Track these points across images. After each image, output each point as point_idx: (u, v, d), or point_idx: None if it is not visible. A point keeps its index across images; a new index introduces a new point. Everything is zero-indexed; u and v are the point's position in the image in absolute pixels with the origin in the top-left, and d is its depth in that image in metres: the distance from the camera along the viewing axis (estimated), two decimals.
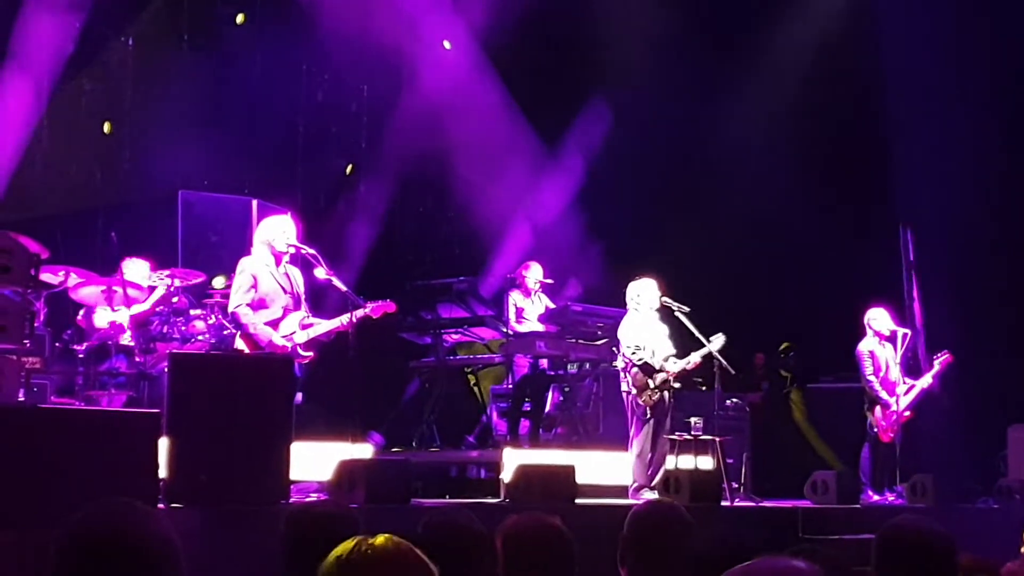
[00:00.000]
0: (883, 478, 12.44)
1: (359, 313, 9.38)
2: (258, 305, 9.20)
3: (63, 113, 12.75)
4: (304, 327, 9.32)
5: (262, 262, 9.29)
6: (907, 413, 12.50)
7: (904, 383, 12.54)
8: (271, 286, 9.25)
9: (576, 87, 15.98)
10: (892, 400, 12.41)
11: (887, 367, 12.51)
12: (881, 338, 12.56)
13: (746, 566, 1.92)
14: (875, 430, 12.51)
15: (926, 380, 12.60)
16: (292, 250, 9.37)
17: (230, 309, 9.31)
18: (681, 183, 16.01)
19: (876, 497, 12.26)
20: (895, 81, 15.91)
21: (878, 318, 12.60)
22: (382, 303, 9.64)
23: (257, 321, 9.12)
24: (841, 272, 15.13)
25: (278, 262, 9.32)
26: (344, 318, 9.37)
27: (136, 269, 10.43)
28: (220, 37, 13.81)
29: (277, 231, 9.33)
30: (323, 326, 9.42)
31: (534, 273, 12.55)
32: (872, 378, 12.46)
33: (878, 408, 12.47)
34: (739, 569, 1.91)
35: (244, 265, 9.31)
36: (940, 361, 12.69)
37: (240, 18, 14.19)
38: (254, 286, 9.18)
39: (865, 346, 12.53)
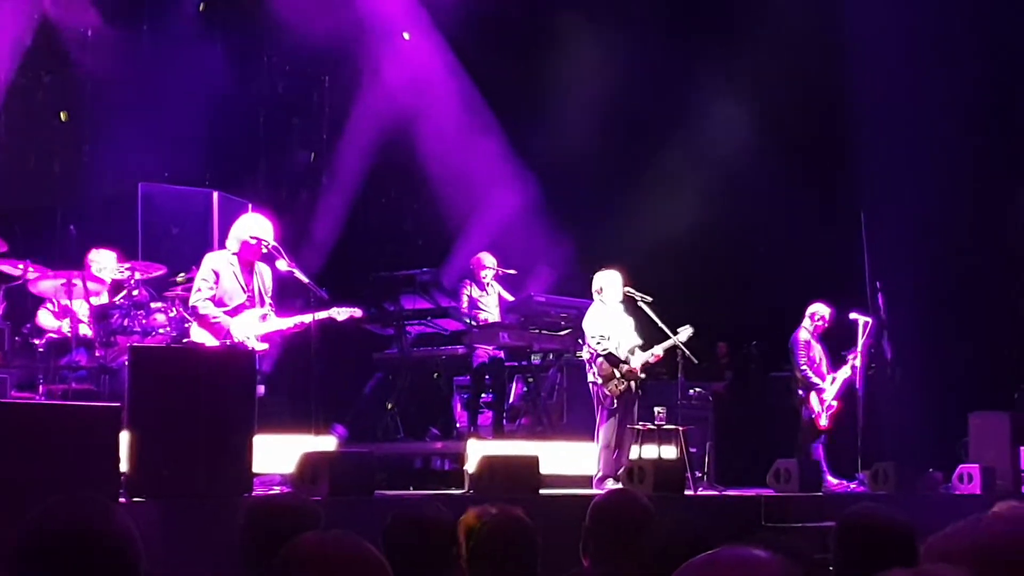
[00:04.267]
0: (836, 460, 12.64)
1: (322, 315, 9.38)
2: (217, 302, 9.20)
3: (21, 106, 12.64)
4: (263, 319, 9.32)
5: (226, 260, 9.29)
6: (835, 402, 12.83)
7: (829, 376, 12.91)
8: (231, 284, 9.25)
9: (541, 76, 15.97)
10: (825, 385, 12.80)
11: (819, 360, 12.88)
12: (818, 331, 12.91)
13: (706, 556, 1.91)
14: (813, 415, 12.82)
15: (845, 372, 12.95)
16: (265, 251, 9.37)
17: (191, 303, 9.29)
18: (646, 173, 16.04)
19: (835, 481, 12.42)
20: (860, 73, 15.96)
21: (818, 312, 12.93)
22: (350, 310, 9.63)
23: (218, 312, 9.13)
24: (805, 261, 15.19)
25: (242, 260, 9.31)
26: (307, 318, 9.37)
27: (104, 259, 10.34)
28: (180, 28, 13.71)
29: (259, 232, 9.32)
30: (283, 322, 9.43)
31: (486, 262, 12.54)
32: (805, 367, 12.80)
33: (813, 395, 12.81)
34: (699, 559, 1.91)
35: (207, 260, 9.33)
36: (851, 357, 12.96)
37: (201, 6, 14.10)
38: (216, 282, 9.18)
39: (802, 336, 12.87)
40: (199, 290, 9.22)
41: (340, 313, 9.56)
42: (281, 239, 9.56)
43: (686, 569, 1.90)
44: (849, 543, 4.17)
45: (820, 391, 12.78)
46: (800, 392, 12.94)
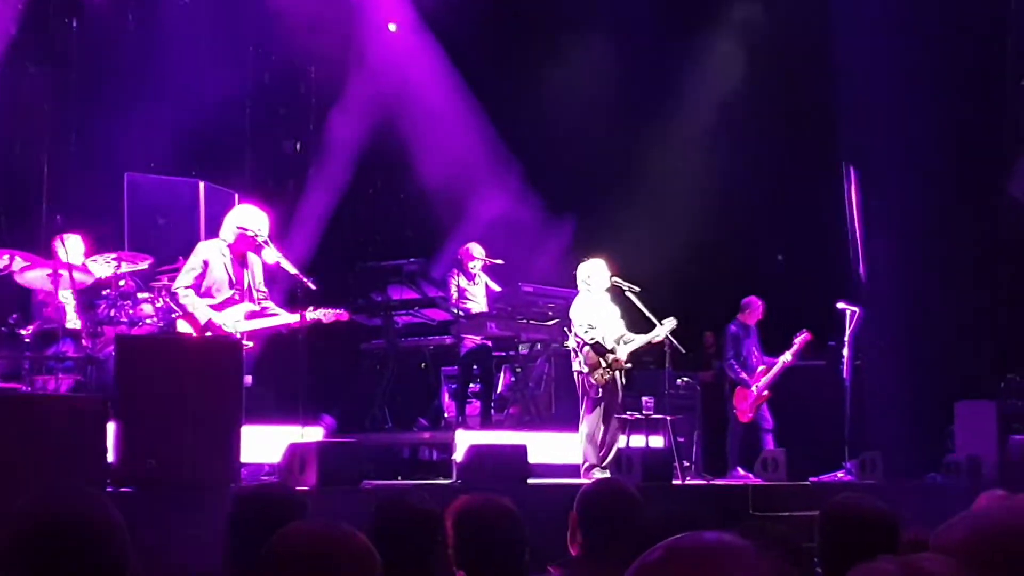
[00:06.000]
0: (745, 455, 12.89)
1: (309, 317, 9.36)
2: (204, 292, 9.17)
3: (6, 96, 12.59)
4: (249, 317, 9.28)
5: (219, 249, 9.25)
6: (765, 393, 13.10)
7: (764, 364, 13.17)
8: (221, 275, 9.22)
9: (529, 64, 15.95)
10: (750, 379, 13.08)
11: (748, 351, 13.17)
12: (751, 321, 13.27)
13: (672, 541, 1.86)
14: (734, 410, 13.16)
15: (786, 357, 13.15)
16: (258, 243, 9.36)
17: (173, 288, 9.25)
18: (634, 164, 16.03)
19: (743, 472, 12.62)
20: (847, 67, 15.96)
21: (750, 305, 13.28)
22: (335, 312, 9.59)
23: (197, 303, 9.09)
24: (790, 251, 15.22)
25: (235, 252, 9.28)
26: (293, 318, 9.35)
27: (70, 245, 10.30)
28: (166, 17, 13.67)
29: (256, 225, 9.30)
30: (268, 322, 9.39)
31: (474, 253, 12.54)
32: (733, 361, 13.14)
33: (738, 390, 13.17)
34: (664, 545, 1.85)
35: (200, 249, 9.32)
36: (799, 340, 13.13)
37: None
38: (204, 272, 9.16)
39: (732, 330, 13.28)
40: (184, 274, 9.23)
41: (326, 316, 9.53)
42: (269, 229, 9.55)
43: (651, 556, 1.85)
44: (832, 532, 4.21)
45: (746, 386, 13.08)
46: (726, 386, 13.31)
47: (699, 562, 1.80)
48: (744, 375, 13.04)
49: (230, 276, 9.25)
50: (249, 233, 9.28)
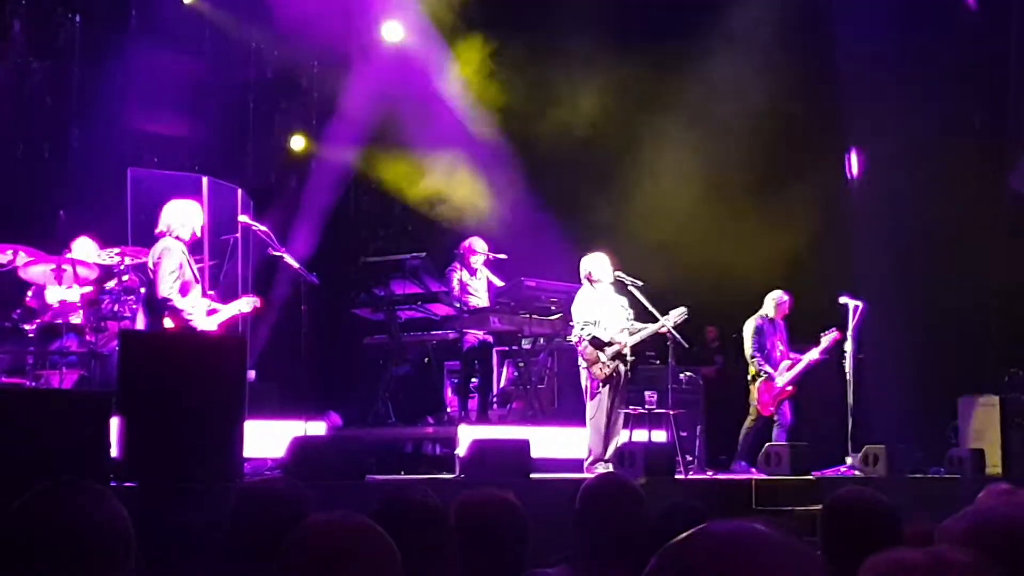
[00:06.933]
0: (756, 450, 12.75)
1: (233, 309, 9.36)
2: (182, 291, 9.06)
3: (11, 92, 12.61)
4: (210, 314, 9.24)
5: (180, 248, 9.08)
6: (789, 388, 12.97)
7: (789, 359, 13.04)
8: (188, 274, 9.11)
9: (527, 56, 15.96)
10: (775, 373, 12.92)
11: (772, 345, 13.03)
12: (777, 316, 13.14)
13: (699, 531, 1.85)
14: (756, 404, 12.96)
15: (813, 354, 13.06)
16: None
17: (164, 294, 8.88)
18: (633, 158, 16.02)
19: (746, 467, 12.60)
20: (846, 49, 15.96)
21: (775, 299, 13.17)
22: (253, 301, 9.52)
23: (186, 307, 8.97)
24: (793, 245, 15.20)
25: (189, 249, 9.24)
26: (230, 310, 9.34)
27: (85, 248, 10.32)
28: (169, 14, 13.68)
29: (197, 219, 9.25)
30: (223, 314, 9.33)
31: (476, 247, 12.53)
32: (757, 354, 12.95)
33: (759, 382, 12.96)
34: (690, 535, 1.84)
35: (169, 250, 9.00)
36: (829, 338, 13.04)
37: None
38: (180, 272, 9.02)
39: (755, 323, 13.10)
40: (174, 280, 8.94)
41: (248, 304, 9.48)
42: (271, 224, 9.55)
43: (677, 545, 1.84)
44: (835, 526, 4.20)
45: (769, 378, 12.90)
46: (748, 379, 13.16)
47: (732, 549, 1.78)
48: (767, 368, 12.95)
49: (194, 273, 9.18)
50: (197, 231, 9.23)
